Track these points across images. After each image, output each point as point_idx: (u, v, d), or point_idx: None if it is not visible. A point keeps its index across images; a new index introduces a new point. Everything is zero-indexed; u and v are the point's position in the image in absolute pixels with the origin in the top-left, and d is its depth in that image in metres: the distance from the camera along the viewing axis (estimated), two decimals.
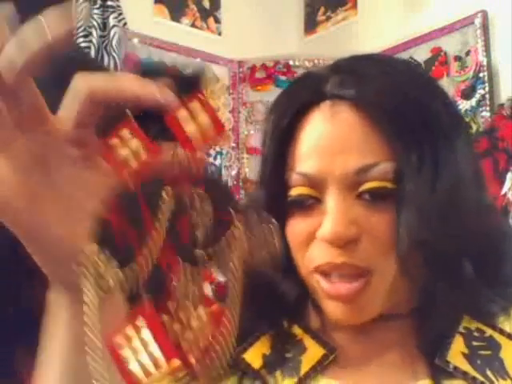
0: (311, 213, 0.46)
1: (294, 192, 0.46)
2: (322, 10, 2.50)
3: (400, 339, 0.48)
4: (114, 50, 1.80)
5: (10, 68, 0.24)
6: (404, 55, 2.04)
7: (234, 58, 2.25)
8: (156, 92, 0.26)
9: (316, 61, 2.23)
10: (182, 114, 0.27)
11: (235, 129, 2.22)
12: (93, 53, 1.77)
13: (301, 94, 0.48)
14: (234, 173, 2.18)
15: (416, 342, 0.47)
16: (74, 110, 0.27)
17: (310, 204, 0.46)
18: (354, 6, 2.33)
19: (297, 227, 0.46)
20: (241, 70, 2.25)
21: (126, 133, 0.27)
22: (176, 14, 2.21)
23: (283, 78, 2.24)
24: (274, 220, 0.28)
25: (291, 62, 2.24)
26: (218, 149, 2.13)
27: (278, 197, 0.47)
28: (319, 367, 0.46)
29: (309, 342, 0.48)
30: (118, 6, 1.87)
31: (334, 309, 0.45)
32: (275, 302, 0.49)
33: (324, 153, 0.45)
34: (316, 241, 0.45)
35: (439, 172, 0.44)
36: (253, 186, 2.17)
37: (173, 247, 0.27)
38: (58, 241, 0.28)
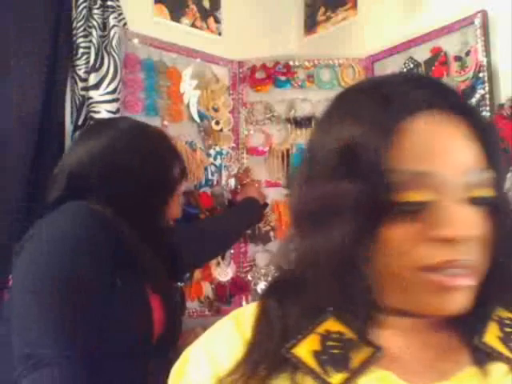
0: (420, 213, 0.48)
1: (408, 198, 0.47)
2: (322, 10, 2.50)
3: (442, 328, 0.52)
4: (114, 50, 1.80)
5: None
6: (404, 55, 2.04)
7: (234, 59, 2.25)
8: None
9: (316, 61, 2.23)
10: None
11: (235, 129, 2.21)
12: (93, 53, 1.77)
13: (395, 103, 0.50)
14: (233, 173, 2.18)
15: (456, 331, 0.51)
16: None
17: (419, 207, 0.48)
18: (354, 5, 2.33)
19: (404, 227, 0.48)
20: (241, 70, 2.25)
21: None
22: (176, 14, 2.21)
23: (283, 78, 2.24)
24: None
25: (291, 62, 2.24)
26: (217, 149, 2.13)
27: (373, 196, 0.48)
28: (369, 363, 0.48)
29: (356, 341, 0.50)
30: (118, 6, 1.87)
31: (441, 300, 0.48)
32: (324, 299, 0.51)
33: (440, 153, 0.48)
34: (427, 240, 0.48)
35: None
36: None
37: None
38: None
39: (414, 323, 0.52)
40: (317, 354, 0.48)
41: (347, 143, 0.50)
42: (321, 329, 0.50)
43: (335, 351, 0.48)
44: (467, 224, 0.47)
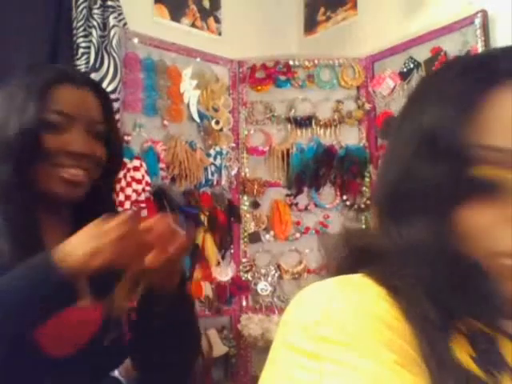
0: (500, 192, 0.43)
1: (489, 172, 0.44)
2: (322, 10, 2.50)
3: None
4: (114, 50, 1.80)
5: None
6: (404, 55, 2.04)
7: (234, 58, 2.25)
8: None
9: (316, 61, 2.23)
10: None
11: (235, 129, 2.21)
12: (93, 53, 1.77)
13: (478, 70, 0.47)
14: (233, 173, 2.18)
15: None
16: None
17: (498, 184, 0.44)
18: (354, 6, 2.33)
19: (484, 208, 0.44)
20: (241, 70, 2.25)
21: None
22: (176, 14, 2.21)
23: (283, 77, 2.24)
24: None
25: (291, 62, 2.24)
26: (217, 149, 2.13)
27: (454, 175, 0.45)
28: None
29: (495, 335, 0.45)
30: (118, 6, 1.87)
31: None
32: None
33: None
34: (506, 222, 0.43)
35: None
36: (253, 185, 2.17)
37: None
38: None
39: None
40: (475, 358, 0.44)
41: (428, 122, 0.47)
42: (459, 327, 0.45)
43: (487, 351, 0.44)
44: None
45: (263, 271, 2.18)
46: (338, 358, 0.40)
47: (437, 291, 0.45)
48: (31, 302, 0.71)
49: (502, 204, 0.44)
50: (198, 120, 2.10)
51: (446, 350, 0.43)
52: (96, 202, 0.92)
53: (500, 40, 1.74)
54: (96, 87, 0.93)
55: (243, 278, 2.16)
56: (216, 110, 2.15)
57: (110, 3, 1.84)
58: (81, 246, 0.72)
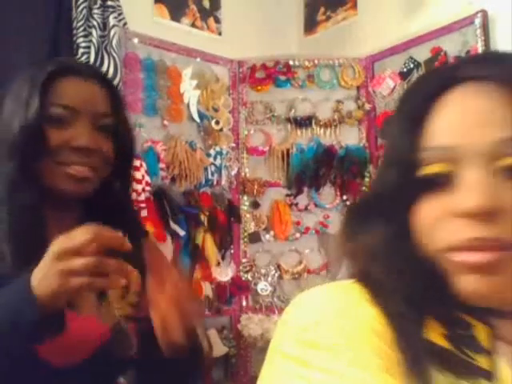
0: (444, 190, 0.46)
1: (428, 170, 0.46)
2: (322, 10, 2.50)
3: None
4: (114, 50, 1.80)
5: None
6: (404, 55, 2.04)
7: (234, 58, 2.25)
8: None
9: (316, 61, 2.23)
10: None
11: (235, 129, 2.21)
12: (93, 53, 1.77)
13: (435, 79, 0.50)
14: (233, 173, 2.18)
15: None
16: None
17: (443, 181, 0.46)
18: (354, 6, 2.33)
19: (429, 206, 0.47)
20: (241, 69, 2.25)
21: None
22: (176, 14, 2.21)
23: (283, 77, 2.24)
24: None
25: (291, 62, 2.24)
26: (217, 149, 2.13)
27: (406, 178, 0.48)
28: (495, 340, 0.46)
29: (466, 319, 0.47)
30: (118, 6, 1.87)
31: (470, 282, 0.44)
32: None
33: (463, 126, 0.46)
34: (451, 218, 0.45)
35: None
36: (253, 185, 2.17)
37: None
38: None
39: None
40: (449, 338, 0.45)
41: (390, 133, 0.52)
42: (433, 315, 0.47)
43: (460, 332, 0.45)
44: (489, 194, 0.42)
45: (263, 271, 2.18)
46: (326, 366, 0.42)
47: (404, 288, 0.47)
48: (13, 337, 0.65)
49: (442, 199, 0.46)
50: (197, 120, 2.10)
51: (420, 337, 0.45)
52: (107, 198, 0.89)
53: (500, 40, 1.74)
54: (103, 79, 0.89)
55: (243, 278, 2.16)
56: (216, 110, 2.15)
57: (110, 3, 1.84)
58: (49, 270, 0.65)
